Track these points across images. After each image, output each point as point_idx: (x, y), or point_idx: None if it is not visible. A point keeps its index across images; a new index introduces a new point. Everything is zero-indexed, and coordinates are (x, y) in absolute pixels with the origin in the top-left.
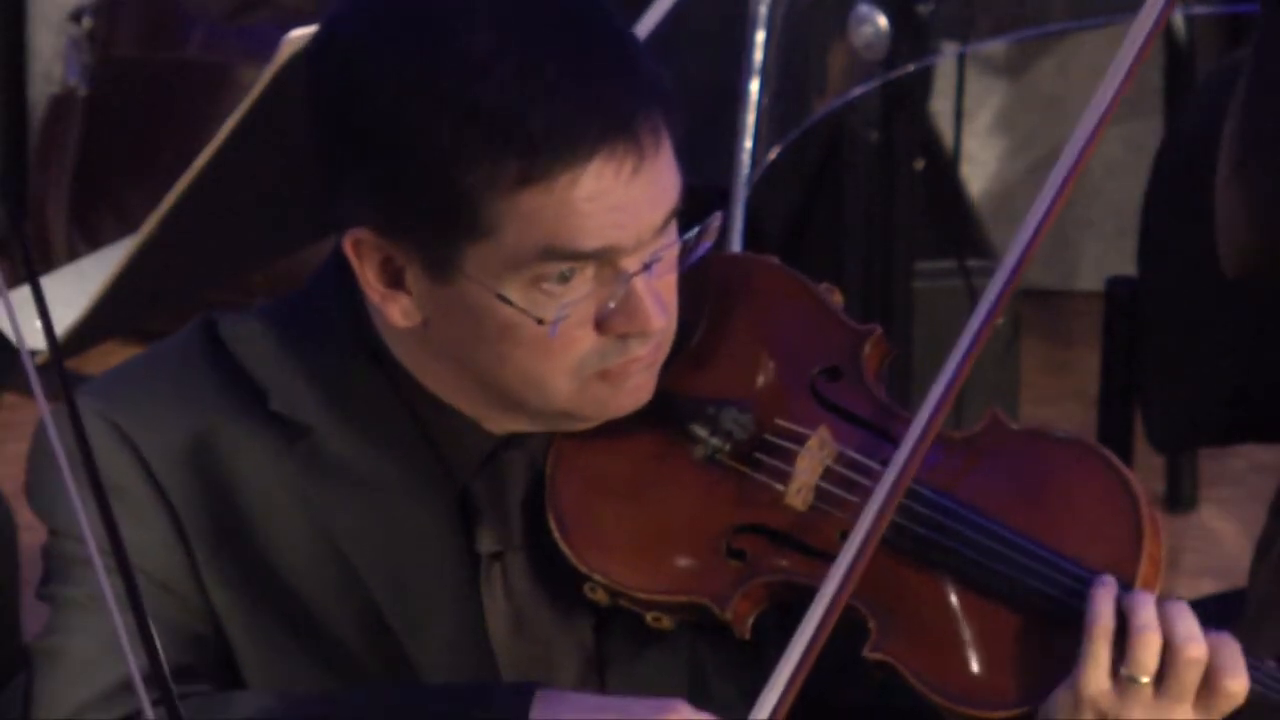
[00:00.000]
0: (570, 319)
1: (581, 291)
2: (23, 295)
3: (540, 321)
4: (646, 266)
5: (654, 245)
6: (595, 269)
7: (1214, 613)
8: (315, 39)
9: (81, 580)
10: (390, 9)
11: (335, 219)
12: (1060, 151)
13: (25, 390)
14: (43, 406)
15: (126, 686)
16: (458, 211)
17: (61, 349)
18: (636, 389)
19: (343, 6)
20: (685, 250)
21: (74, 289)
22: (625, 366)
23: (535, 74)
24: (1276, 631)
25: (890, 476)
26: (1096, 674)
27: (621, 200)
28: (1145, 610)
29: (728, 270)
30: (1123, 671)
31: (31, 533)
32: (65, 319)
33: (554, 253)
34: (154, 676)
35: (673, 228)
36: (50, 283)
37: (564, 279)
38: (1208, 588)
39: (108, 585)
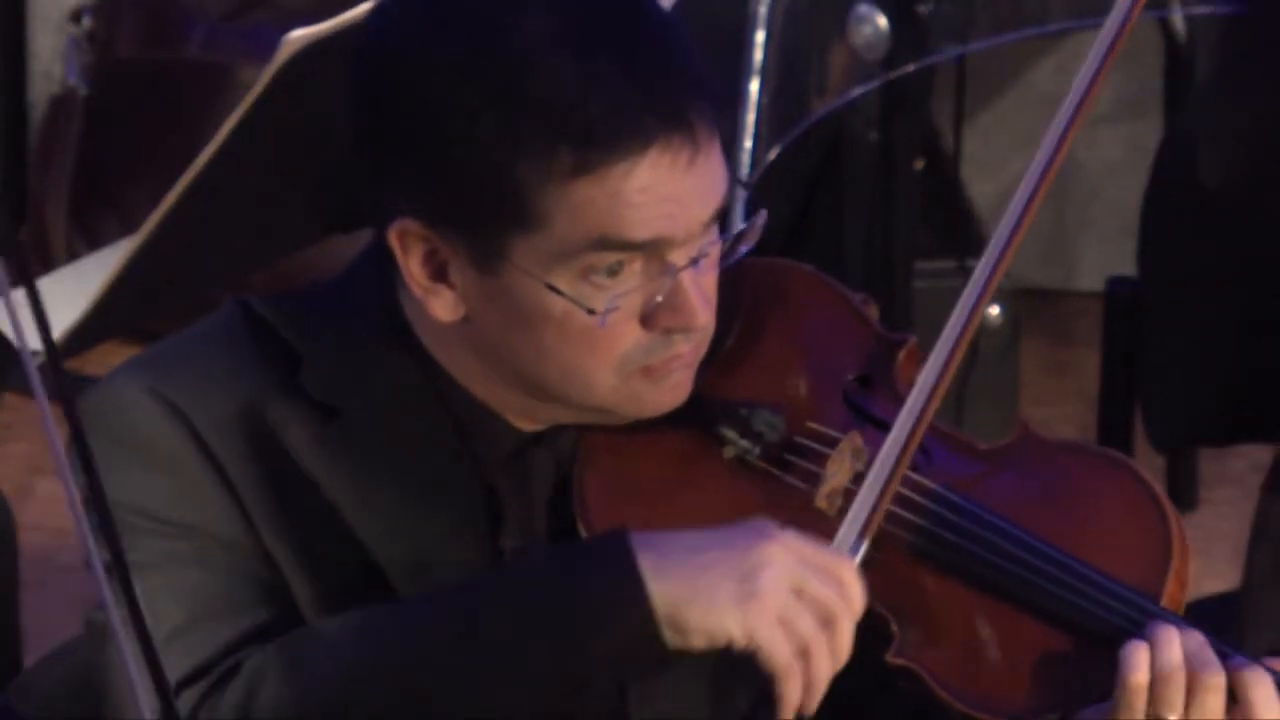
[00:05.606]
0: (619, 311)
1: (630, 284)
2: (22, 295)
3: (591, 312)
4: (694, 261)
5: (701, 240)
6: (643, 262)
7: (1214, 612)
8: (364, 31)
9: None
10: (440, 1)
11: (380, 211)
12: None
13: (25, 390)
14: (46, 412)
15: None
16: (508, 202)
17: (61, 349)
18: (676, 387)
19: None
20: (729, 249)
21: (74, 289)
22: (668, 363)
23: (590, 64)
24: (1275, 611)
25: (884, 469)
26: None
27: (674, 191)
28: (1171, 650)
29: (763, 276)
30: (1149, 711)
31: (32, 532)
32: (65, 319)
33: (605, 243)
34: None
35: (715, 226)
36: (50, 283)
37: (613, 272)
38: (1208, 588)
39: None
